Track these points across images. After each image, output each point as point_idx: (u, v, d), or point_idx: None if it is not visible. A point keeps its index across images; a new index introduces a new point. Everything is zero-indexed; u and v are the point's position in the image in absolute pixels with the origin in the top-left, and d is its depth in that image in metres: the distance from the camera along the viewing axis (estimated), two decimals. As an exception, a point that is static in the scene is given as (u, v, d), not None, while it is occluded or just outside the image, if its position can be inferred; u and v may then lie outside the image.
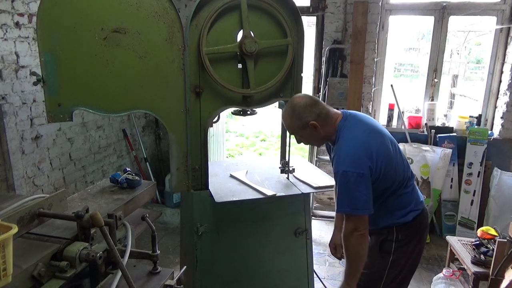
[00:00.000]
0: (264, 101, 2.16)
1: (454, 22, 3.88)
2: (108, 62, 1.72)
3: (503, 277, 2.15)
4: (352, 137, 1.71)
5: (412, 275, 1.95)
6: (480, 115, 3.90)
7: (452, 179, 3.79)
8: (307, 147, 4.58)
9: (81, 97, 1.72)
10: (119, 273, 1.17)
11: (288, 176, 2.34)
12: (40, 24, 1.59)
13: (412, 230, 1.83)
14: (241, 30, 1.98)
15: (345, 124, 1.75)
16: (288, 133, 2.33)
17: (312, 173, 2.39)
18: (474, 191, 3.72)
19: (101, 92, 1.75)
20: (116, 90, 1.77)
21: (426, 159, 3.69)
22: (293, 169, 2.33)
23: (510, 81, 3.64)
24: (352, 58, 3.78)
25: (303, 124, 1.73)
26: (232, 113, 2.27)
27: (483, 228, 2.76)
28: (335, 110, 1.82)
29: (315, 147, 4.03)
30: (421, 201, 1.88)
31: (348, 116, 1.79)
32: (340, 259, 2.15)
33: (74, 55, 1.67)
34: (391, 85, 3.88)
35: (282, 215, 2.31)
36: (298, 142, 1.87)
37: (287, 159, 2.35)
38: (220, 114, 2.27)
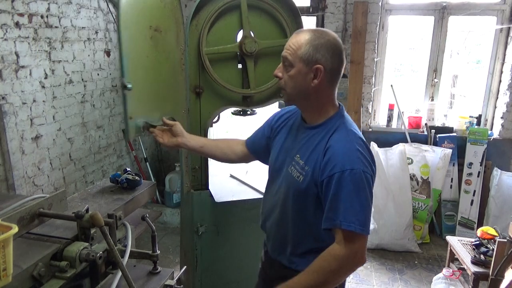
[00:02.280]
0: (264, 101, 2.16)
1: (454, 22, 3.86)
2: (155, 64, 1.49)
3: (503, 277, 2.15)
4: (359, 136, 1.31)
5: None
6: (480, 115, 3.90)
7: (452, 179, 3.79)
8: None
9: (141, 108, 1.44)
10: (119, 273, 1.17)
11: (288, 176, 2.33)
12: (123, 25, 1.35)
13: None
14: (241, 30, 1.98)
15: (346, 117, 1.36)
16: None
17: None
18: (474, 191, 3.72)
19: (148, 101, 1.48)
20: (155, 97, 1.55)
21: (426, 159, 3.69)
22: (293, 169, 2.32)
23: (510, 81, 3.64)
24: (352, 58, 3.78)
25: (310, 58, 1.25)
26: (232, 113, 2.27)
27: (483, 228, 2.76)
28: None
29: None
30: None
31: (345, 114, 1.39)
32: None
33: (140, 57, 1.43)
34: (391, 85, 3.88)
35: (282, 215, 2.31)
36: (275, 76, 1.35)
37: (287, 159, 2.35)
38: (220, 114, 2.27)
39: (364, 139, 1.32)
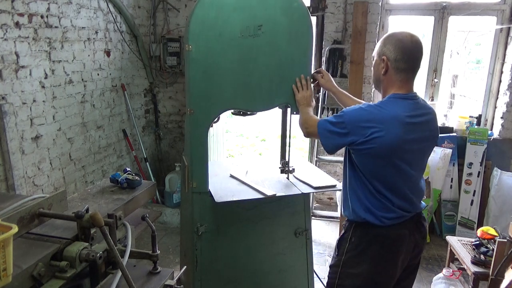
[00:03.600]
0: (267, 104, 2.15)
1: (454, 22, 3.87)
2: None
3: (503, 277, 2.14)
4: (383, 104, 1.60)
5: None
6: (480, 115, 3.90)
7: (452, 179, 3.79)
8: (307, 147, 4.58)
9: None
10: (119, 273, 1.17)
11: (288, 176, 2.33)
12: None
13: (369, 238, 1.63)
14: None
15: (393, 97, 1.61)
16: (288, 133, 2.33)
17: (312, 173, 2.39)
18: (474, 191, 3.72)
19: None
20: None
21: (426, 159, 3.69)
22: (293, 169, 2.33)
23: (510, 81, 3.64)
24: (352, 58, 3.78)
25: (381, 51, 1.64)
26: (232, 113, 2.27)
27: (483, 228, 2.76)
28: (413, 88, 1.66)
29: (315, 148, 4.03)
30: (404, 228, 1.64)
31: (400, 98, 1.61)
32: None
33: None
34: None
35: (282, 215, 2.31)
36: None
37: (287, 159, 2.35)
38: (221, 114, 2.27)
39: (388, 110, 1.58)
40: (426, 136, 1.63)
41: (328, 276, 1.79)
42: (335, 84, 2.13)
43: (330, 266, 1.79)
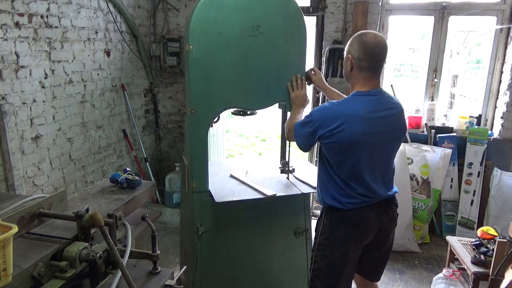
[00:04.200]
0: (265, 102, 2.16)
1: (454, 22, 3.87)
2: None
3: (503, 277, 2.14)
4: (345, 101, 1.79)
5: (349, 273, 1.93)
6: (480, 115, 3.90)
7: (452, 179, 3.79)
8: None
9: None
10: (119, 273, 1.17)
11: (288, 176, 2.34)
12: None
13: (338, 220, 1.84)
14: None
15: (355, 95, 1.78)
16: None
17: (312, 173, 2.39)
18: (474, 191, 3.72)
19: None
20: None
21: (426, 159, 3.69)
22: (293, 169, 2.33)
23: (510, 81, 3.64)
24: (352, 58, 3.77)
25: (347, 50, 1.81)
26: (232, 113, 2.27)
27: (483, 228, 2.76)
28: (377, 84, 1.80)
29: (315, 148, 4.03)
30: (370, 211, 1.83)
31: (361, 95, 1.77)
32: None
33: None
34: (391, 85, 3.88)
35: (282, 215, 2.31)
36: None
37: (287, 159, 2.35)
38: (220, 114, 2.27)
39: (347, 106, 1.75)
40: (389, 129, 1.80)
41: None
42: (325, 82, 2.27)
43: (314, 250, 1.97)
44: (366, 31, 1.79)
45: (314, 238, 1.95)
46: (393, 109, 1.82)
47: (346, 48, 1.82)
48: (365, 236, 1.86)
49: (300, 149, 1.90)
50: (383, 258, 2.06)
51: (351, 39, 1.81)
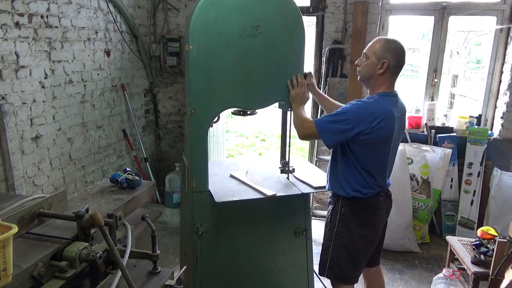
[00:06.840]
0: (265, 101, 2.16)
1: (454, 22, 3.87)
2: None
3: (503, 277, 2.14)
4: (374, 101, 1.93)
5: (366, 259, 2.11)
6: (480, 115, 3.90)
7: (452, 179, 3.79)
8: (307, 147, 4.58)
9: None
10: (119, 273, 1.17)
11: (288, 176, 2.34)
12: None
13: (356, 207, 2.02)
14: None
15: (383, 95, 1.96)
16: (288, 133, 2.33)
17: (312, 173, 2.39)
18: (474, 191, 3.72)
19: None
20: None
21: (426, 159, 3.69)
22: (293, 169, 2.33)
23: (510, 81, 3.64)
24: (352, 58, 3.77)
25: (382, 55, 1.92)
26: (232, 113, 2.27)
27: (483, 228, 2.76)
28: (392, 88, 2.02)
29: (315, 148, 4.03)
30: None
31: (388, 96, 1.97)
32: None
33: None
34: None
35: (282, 215, 2.31)
36: (356, 64, 2.05)
37: (287, 159, 2.35)
38: (220, 114, 2.27)
39: (379, 106, 1.92)
40: (401, 128, 2.08)
41: (320, 254, 2.15)
42: (316, 87, 2.37)
43: (323, 244, 2.14)
44: (392, 38, 1.99)
45: (329, 229, 2.09)
46: (403, 109, 2.08)
47: (374, 51, 1.94)
48: (381, 219, 2.11)
49: (326, 144, 1.96)
50: (381, 242, 2.26)
51: (382, 44, 1.94)
